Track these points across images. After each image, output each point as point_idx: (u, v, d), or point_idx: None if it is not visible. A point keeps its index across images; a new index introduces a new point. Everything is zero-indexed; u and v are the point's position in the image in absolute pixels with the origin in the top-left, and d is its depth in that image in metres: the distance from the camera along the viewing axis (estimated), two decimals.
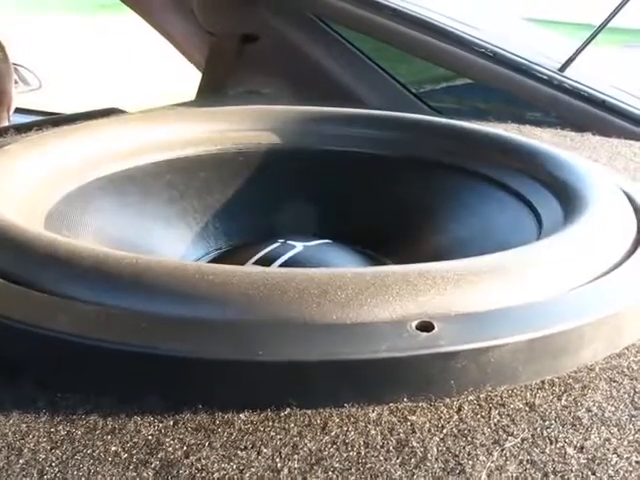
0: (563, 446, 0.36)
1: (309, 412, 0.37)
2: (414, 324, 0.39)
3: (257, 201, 0.71)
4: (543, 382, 0.41)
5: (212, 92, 1.31)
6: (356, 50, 1.27)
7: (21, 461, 0.34)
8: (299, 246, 0.62)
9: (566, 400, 0.39)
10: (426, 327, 0.39)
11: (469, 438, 0.36)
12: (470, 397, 0.39)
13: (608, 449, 0.36)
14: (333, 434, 0.36)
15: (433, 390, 0.38)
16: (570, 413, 0.38)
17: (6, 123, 1.56)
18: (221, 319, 0.39)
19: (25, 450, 0.34)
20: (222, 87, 1.31)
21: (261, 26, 1.29)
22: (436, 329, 0.39)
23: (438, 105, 1.27)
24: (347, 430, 0.36)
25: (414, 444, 0.35)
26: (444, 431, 0.36)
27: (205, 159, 0.70)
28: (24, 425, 0.36)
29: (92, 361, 0.39)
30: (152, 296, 0.41)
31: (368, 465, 0.34)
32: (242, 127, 0.73)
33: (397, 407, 0.38)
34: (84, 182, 0.62)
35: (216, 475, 0.33)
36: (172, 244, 0.66)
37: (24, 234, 0.46)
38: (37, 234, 0.46)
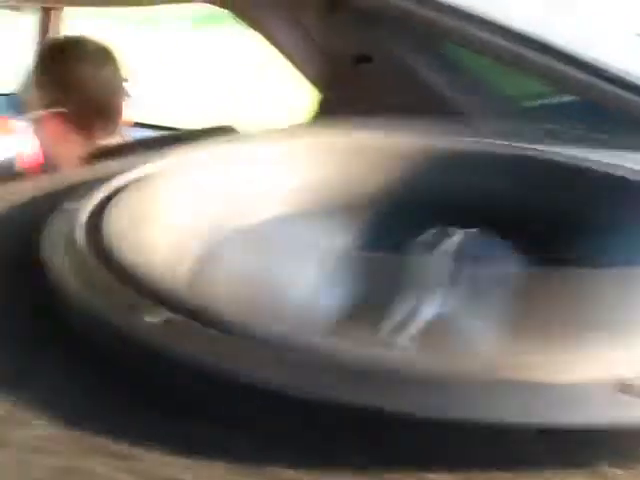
0: None
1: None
2: (620, 387, 0.38)
3: None
4: None
5: (328, 113, 1.31)
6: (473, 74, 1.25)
7: None
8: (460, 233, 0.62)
9: None
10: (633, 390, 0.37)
11: None
12: None
13: None
14: None
15: None
16: None
17: (119, 139, 1.59)
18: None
19: None
20: (338, 108, 1.31)
21: (377, 47, 1.28)
22: None
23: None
24: None
25: None
26: None
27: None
28: None
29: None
30: None
31: None
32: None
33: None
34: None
35: None
36: None
37: None
38: None
